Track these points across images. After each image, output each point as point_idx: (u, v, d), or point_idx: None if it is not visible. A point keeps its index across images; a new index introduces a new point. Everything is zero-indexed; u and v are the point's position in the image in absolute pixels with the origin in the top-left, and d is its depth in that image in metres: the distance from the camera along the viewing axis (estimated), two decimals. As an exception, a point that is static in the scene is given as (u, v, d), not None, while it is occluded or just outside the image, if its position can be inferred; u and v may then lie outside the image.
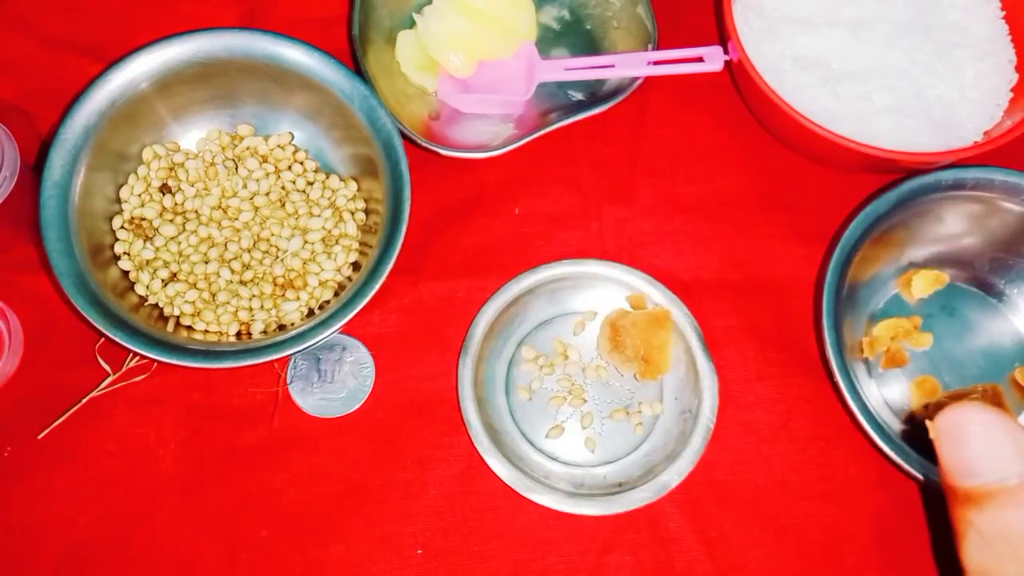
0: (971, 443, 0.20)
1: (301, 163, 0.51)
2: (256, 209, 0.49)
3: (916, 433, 0.48)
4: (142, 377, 0.48)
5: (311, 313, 0.48)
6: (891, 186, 0.47)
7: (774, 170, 0.53)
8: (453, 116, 0.53)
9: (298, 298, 0.48)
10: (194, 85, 0.48)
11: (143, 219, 0.49)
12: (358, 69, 0.49)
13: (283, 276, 0.48)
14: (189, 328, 0.47)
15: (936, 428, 0.20)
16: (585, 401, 0.48)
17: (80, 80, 0.46)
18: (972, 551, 0.20)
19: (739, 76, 0.51)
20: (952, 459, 0.20)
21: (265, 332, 0.47)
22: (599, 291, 0.49)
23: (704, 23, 0.56)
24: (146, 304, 0.47)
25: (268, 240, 0.49)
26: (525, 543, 0.46)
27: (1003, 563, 0.19)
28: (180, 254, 0.48)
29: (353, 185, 0.50)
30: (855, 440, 0.46)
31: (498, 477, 0.45)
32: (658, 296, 0.48)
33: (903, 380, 0.49)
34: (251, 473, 0.47)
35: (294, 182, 0.50)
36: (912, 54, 0.50)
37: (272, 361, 0.45)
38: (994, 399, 0.46)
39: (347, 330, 0.49)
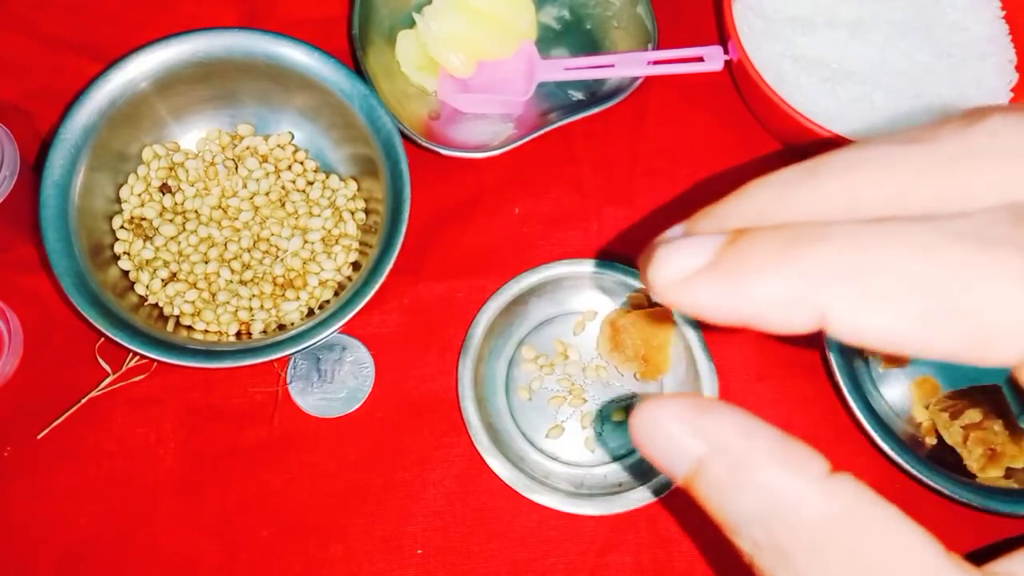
0: (656, 441, 0.18)
1: (301, 163, 0.51)
2: (256, 209, 0.49)
3: (916, 433, 0.48)
4: (142, 377, 0.48)
5: (311, 313, 0.48)
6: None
7: (774, 170, 0.53)
8: (453, 116, 0.53)
9: (298, 298, 0.48)
10: (194, 85, 0.48)
11: (143, 219, 0.49)
12: (358, 69, 0.49)
13: (283, 276, 0.48)
14: (189, 328, 0.47)
15: (632, 434, 0.19)
16: (585, 401, 0.48)
17: (80, 80, 0.46)
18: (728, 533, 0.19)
19: (739, 76, 0.51)
20: (652, 460, 0.19)
21: (265, 332, 0.47)
22: (599, 291, 0.49)
23: (704, 23, 0.56)
24: (146, 304, 0.47)
25: (268, 240, 0.49)
26: (525, 543, 0.46)
27: (734, 538, 0.18)
28: (180, 254, 0.48)
29: (353, 185, 0.50)
30: (855, 440, 0.46)
31: (498, 477, 0.45)
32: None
33: (903, 380, 0.49)
34: (251, 473, 0.47)
35: (294, 182, 0.50)
36: (912, 54, 0.50)
37: (272, 361, 0.45)
38: (994, 399, 0.46)
39: (347, 330, 0.49)
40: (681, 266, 0.17)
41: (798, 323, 0.16)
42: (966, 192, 0.15)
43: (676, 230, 0.19)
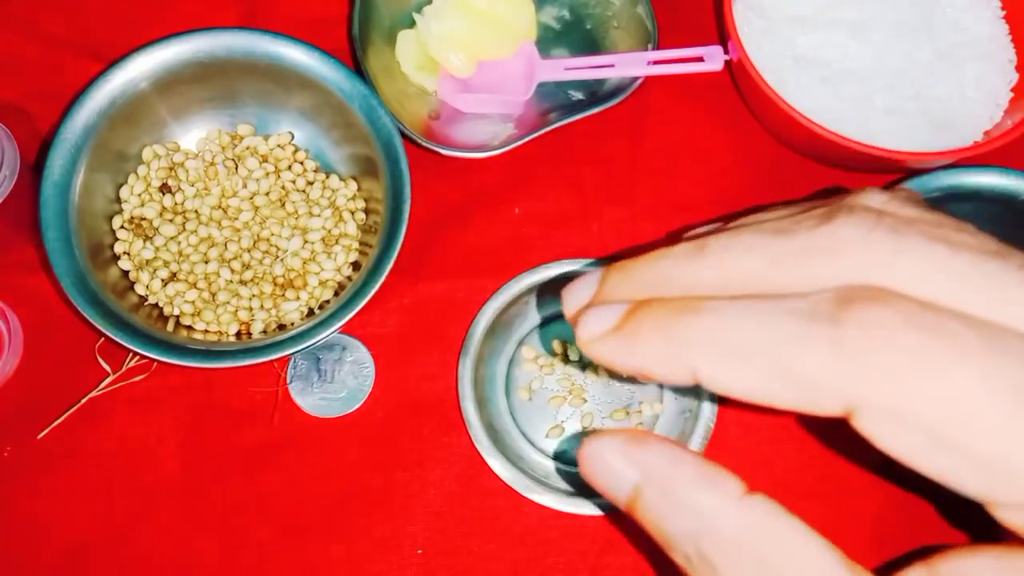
0: (599, 471, 0.21)
1: (301, 163, 0.51)
2: (256, 209, 0.49)
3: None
4: (142, 377, 0.48)
5: (311, 313, 0.48)
6: (891, 186, 0.47)
7: (774, 170, 0.53)
8: (453, 116, 0.53)
9: (298, 298, 0.48)
10: (194, 85, 0.49)
11: (143, 219, 0.49)
12: (358, 69, 0.49)
13: (283, 276, 0.48)
14: (189, 328, 0.47)
15: (580, 467, 0.22)
16: (585, 401, 0.48)
17: (80, 80, 0.46)
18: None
19: (739, 76, 0.51)
20: (598, 489, 0.22)
21: (265, 332, 0.47)
22: (599, 291, 0.49)
23: (704, 23, 0.56)
24: (146, 304, 0.47)
25: (268, 240, 0.49)
26: (525, 543, 0.46)
27: (670, 553, 0.21)
28: (180, 254, 0.48)
29: (353, 185, 0.50)
30: (855, 440, 0.46)
31: (498, 477, 0.45)
32: (658, 296, 0.48)
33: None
34: (251, 473, 0.47)
35: (294, 182, 0.50)
36: (912, 54, 0.50)
37: (272, 361, 0.45)
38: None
39: (347, 330, 0.49)
40: (595, 329, 0.21)
41: (677, 377, 0.20)
42: (809, 276, 0.19)
43: (591, 279, 0.23)
